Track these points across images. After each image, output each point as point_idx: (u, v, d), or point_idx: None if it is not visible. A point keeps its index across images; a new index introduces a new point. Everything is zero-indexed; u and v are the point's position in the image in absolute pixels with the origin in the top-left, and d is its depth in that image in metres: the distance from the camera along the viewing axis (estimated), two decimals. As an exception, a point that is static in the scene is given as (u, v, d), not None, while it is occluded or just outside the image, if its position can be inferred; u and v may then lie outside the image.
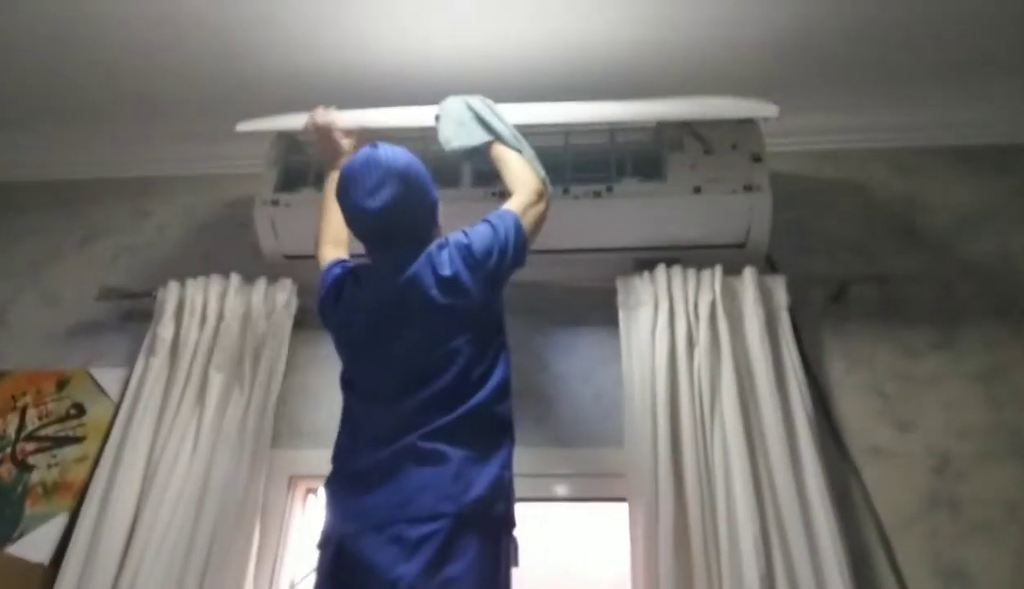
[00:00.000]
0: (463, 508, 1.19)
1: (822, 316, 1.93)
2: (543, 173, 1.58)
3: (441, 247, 1.40)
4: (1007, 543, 1.64)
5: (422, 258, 1.38)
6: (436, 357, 1.33)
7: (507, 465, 1.31)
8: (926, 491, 1.71)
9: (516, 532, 1.32)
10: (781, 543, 1.54)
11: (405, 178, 1.39)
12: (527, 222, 1.45)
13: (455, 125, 1.65)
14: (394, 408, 1.32)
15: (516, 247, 1.41)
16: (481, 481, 1.23)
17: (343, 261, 1.56)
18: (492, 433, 1.31)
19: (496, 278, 1.39)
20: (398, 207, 1.38)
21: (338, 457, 1.38)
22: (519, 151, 1.59)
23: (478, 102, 1.67)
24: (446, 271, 1.35)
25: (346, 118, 1.79)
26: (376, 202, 1.37)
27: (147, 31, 2.00)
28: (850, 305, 1.94)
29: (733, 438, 1.63)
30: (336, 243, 1.62)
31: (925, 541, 1.66)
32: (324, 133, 1.76)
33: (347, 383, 1.45)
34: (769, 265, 1.95)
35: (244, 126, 1.91)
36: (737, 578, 1.50)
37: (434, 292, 1.35)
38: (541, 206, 1.50)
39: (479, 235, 1.40)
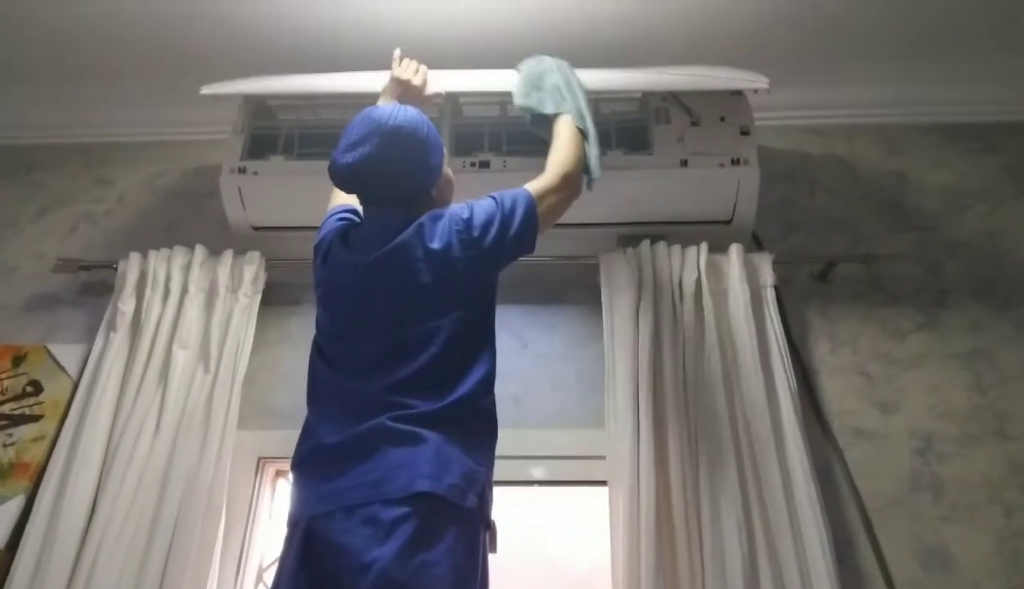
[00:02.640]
0: (436, 488, 1.13)
1: (808, 295, 1.90)
2: (595, 165, 1.48)
3: (436, 218, 1.30)
4: (989, 526, 1.62)
5: (412, 227, 1.29)
6: (416, 335, 1.25)
7: (483, 462, 1.23)
8: (909, 473, 1.69)
9: (494, 517, 1.27)
10: (764, 525, 1.52)
11: (391, 136, 1.30)
12: (544, 206, 1.34)
13: (530, 86, 1.56)
14: (369, 385, 1.24)
15: (521, 228, 1.29)
16: (456, 469, 1.16)
17: (343, 211, 1.47)
18: (474, 427, 1.24)
19: (490, 257, 1.29)
20: (370, 164, 1.29)
21: (306, 432, 1.30)
22: (584, 133, 1.49)
23: (563, 71, 1.58)
24: (435, 244, 1.26)
25: (436, 83, 1.67)
26: (347, 157, 1.29)
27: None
28: (836, 284, 1.91)
29: (717, 419, 1.59)
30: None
31: (907, 523, 1.64)
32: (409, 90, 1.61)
33: (319, 350, 1.36)
34: (755, 242, 1.91)
35: (209, 89, 1.80)
36: (720, 561, 1.47)
37: (419, 265, 1.26)
38: (563, 194, 1.38)
39: (480, 207, 1.31)
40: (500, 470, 1.33)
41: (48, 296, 2.04)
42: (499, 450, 1.32)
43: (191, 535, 1.56)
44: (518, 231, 1.30)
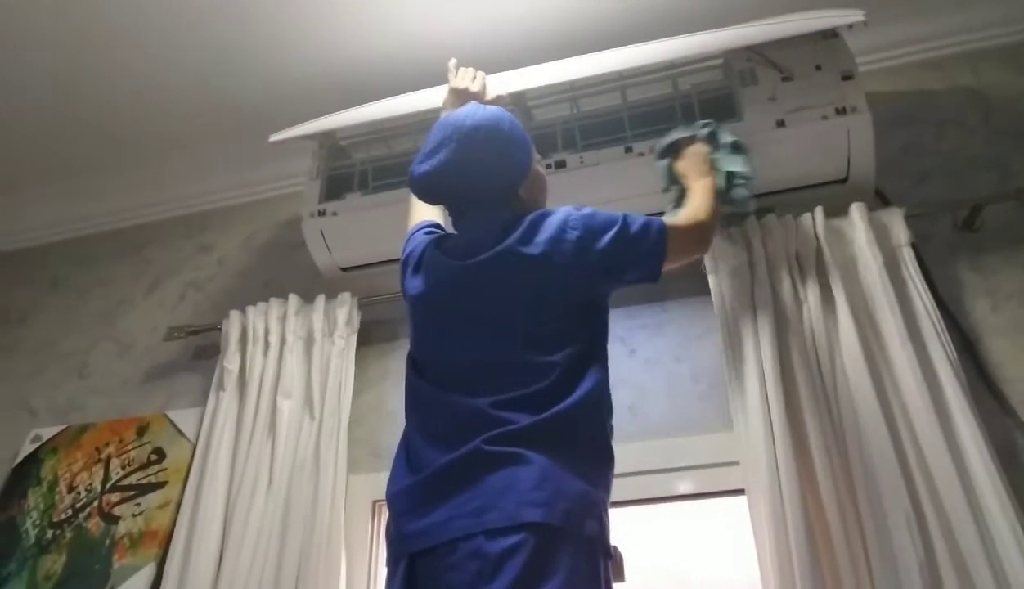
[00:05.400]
0: (550, 518, 1.01)
1: (954, 248, 1.64)
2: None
3: (539, 219, 1.20)
4: None
5: (511, 233, 1.20)
6: (514, 345, 1.15)
7: (599, 485, 1.11)
8: (1115, 440, 1.40)
9: (617, 544, 1.13)
10: (940, 522, 1.29)
11: (468, 138, 1.22)
12: (674, 242, 1.23)
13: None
14: (465, 397, 1.14)
15: (648, 249, 1.20)
16: (569, 491, 1.04)
17: (429, 225, 1.42)
18: (585, 446, 1.12)
19: (600, 266, 1.18)
20: (449, 170, 1.23)
21: (404, 455, 1.22)
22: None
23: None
24: (536, 249, 1.17)
25: (494, 88, 1.63)
26: (424, 166, 1.25)
27: (175, 68, 2.01)
28: (986, 230, 1.64)
29: (864, 406, 1.38)
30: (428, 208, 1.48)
31: (1122, 501, 1.35)
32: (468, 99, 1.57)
33: (414, 363, 1.27)
34: (880, 198, 1.69)
35: (277, 136, 1.84)
36: (891, 568, 1.26)
37: (519, 273, 1.18)
38: (694, 238, 1.31)
39: (603, 213, 1.22)
40: (620, 489, 1.20)
41: (165, 365, 2.11)
42: (617, 467, 1.19)
43: (314, 587, 1.52)
44: (640, 250, 1.20)
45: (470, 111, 1.26)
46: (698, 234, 1.31)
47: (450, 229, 1.40)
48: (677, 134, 1.50)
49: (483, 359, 1.17)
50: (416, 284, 1.30)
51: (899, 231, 1.56)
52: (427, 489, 1.11)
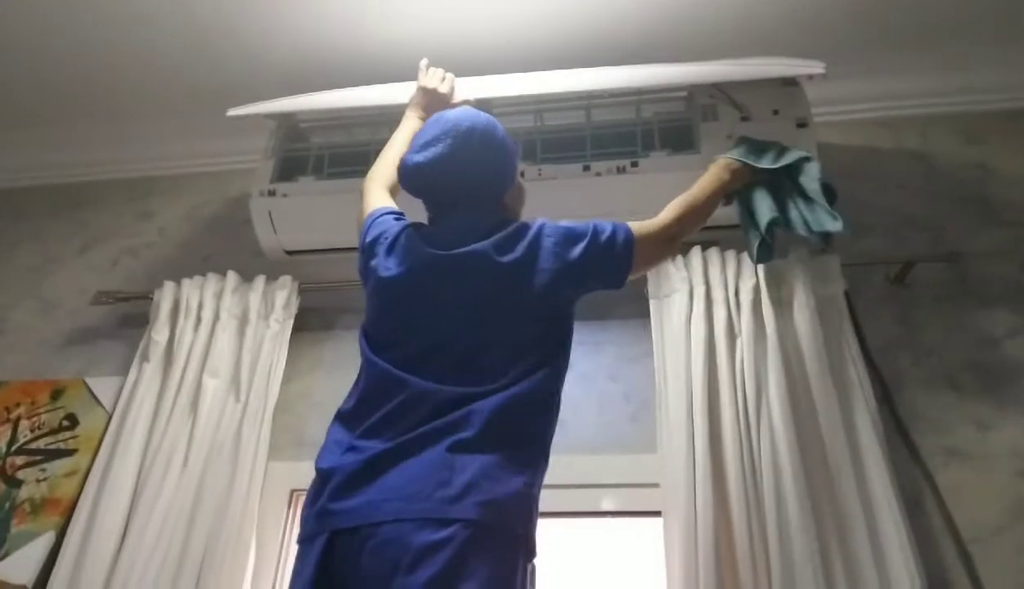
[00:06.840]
0: (480, 516, 1.01)
1: (884, 300, 1.71)
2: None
3: (520, 230, 1.24)
4: (1114, 560, 1.39)
5: (489, 237, 1.22)
6: (476, 343, 1.17)
7: (534, 484, 1.12)
8: (1012, 498, 1.48)
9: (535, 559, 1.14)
10: (844, 562, 1.35)
11: (465, 138, 1.25)
12: (644, 248, 1.27)
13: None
14: (420, 383, 1.14)
15: (615, 259, 1.24)
16: (503, 490, 1.05)
17: (396, 212, 1.40)
18: (524, 444, 1.13)
19: (571, 274, 1.21)
20: (442, 165, 1.25)
21: (342, 429, 1.19)
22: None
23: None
24: (511, 256, 1.20)
25: (462, 91, 1.63)
26: (418, 157, 1.26)
27: (139, 29, 1.94)
28: (916, 287, 1.71)
29: (783, 442, 1.42)
30: (387, 185, 1.47)
31: (1012, 556, 1.42)
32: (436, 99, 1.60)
33: (371, 340, 1.25)
34: (820, 245, 1.73)
35: (235, 111, 1.80)
36: (793, 604, 1.30)
37: (491, 276, 1.20)
38: (666, 240, 1.33)
39: (576, 224, 1.26)
40: (541, 501, 1.21)
41: (88, 330, 2.03)
42: (540, 479, 1.20)
43: (219, 573, 1.49)
44: (605, 258, 1.24)
45: (466, 113, 1.30)
46: (668, 238, 1.33)
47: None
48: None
49: (445, 347, 1.17)
50: (389, 265, 1.28)
51: (834, 279, 1.61)
52: (366, 467, 1.08)
